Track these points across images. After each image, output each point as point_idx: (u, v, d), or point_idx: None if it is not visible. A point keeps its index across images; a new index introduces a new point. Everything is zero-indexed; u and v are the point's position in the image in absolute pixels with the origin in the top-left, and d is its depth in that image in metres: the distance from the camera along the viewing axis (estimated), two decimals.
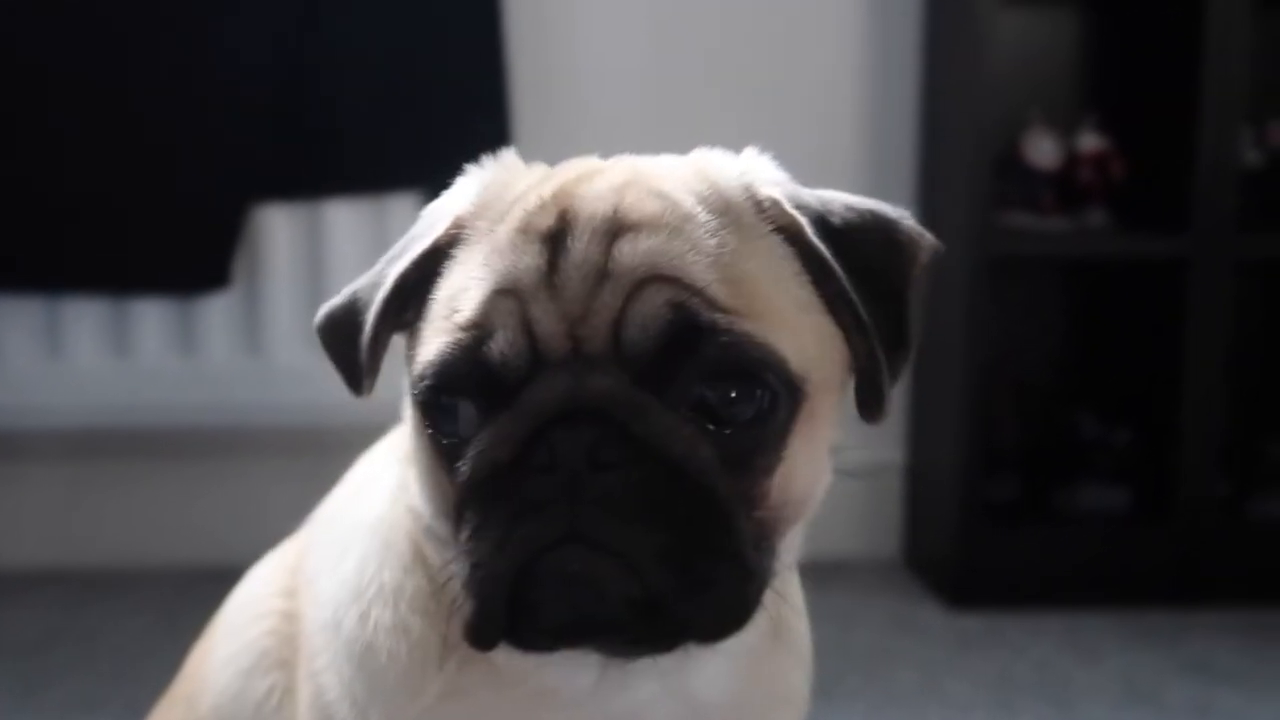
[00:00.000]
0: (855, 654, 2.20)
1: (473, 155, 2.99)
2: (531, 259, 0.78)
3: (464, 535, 0.76)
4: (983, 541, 2.49)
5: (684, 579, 0.74)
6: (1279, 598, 2.48)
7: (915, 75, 2.63)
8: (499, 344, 0.76)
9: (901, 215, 0.86)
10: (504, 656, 0.84)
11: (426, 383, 0.79)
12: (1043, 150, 2.49)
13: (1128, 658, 2.22)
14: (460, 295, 0.79)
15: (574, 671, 0.85)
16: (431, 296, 0.83)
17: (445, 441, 0.79)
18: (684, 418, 0.75)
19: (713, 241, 0.78)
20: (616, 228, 0.78)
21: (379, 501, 0.92)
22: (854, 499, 2.63)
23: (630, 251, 0.77)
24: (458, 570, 0.77)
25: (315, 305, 2.63)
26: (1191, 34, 2.42)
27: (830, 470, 0.84)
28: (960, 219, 2.39)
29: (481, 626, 0.77)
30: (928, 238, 0.86)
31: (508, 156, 0.89)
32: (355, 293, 0.88)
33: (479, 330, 0.77)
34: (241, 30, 2.36)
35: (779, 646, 0.92)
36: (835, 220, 0.83)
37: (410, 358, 0.84)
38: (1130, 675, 2.15)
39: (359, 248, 2.46)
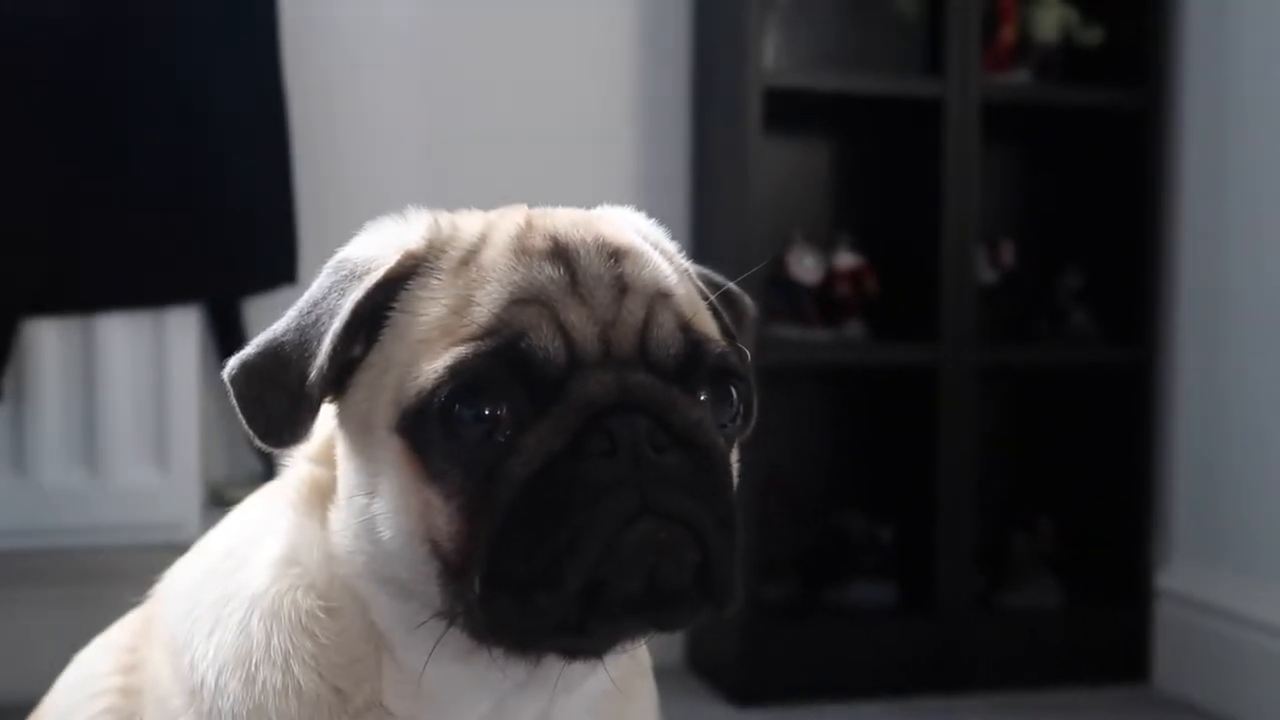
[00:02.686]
0: None
1: (255, 269, 2.93)
2: (549, 272, 0.83)
3: (521, 539, 0.78)
4: (763, 641, 2.59)
5: (728, 544, 0.82)
6: (1029, 680, 2.68)
7: (685, 199, 2.79)
8: (538, 341, 0.81)
9: (726, 280, 1.00)
10: (397, 701, 0.87)
11: (447, 388, 0.80)
12: (805, 266, 2.69)
13: None
14: (463, 310, 0.82)
15: (459, 712, 0.87)
16: (385, 327, 0.85)
17: (458, 452, 0.80)
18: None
19: (674, 273, 0.89)
20: (612, 250, 0.86)
21: (260, 574, 0.91)
22: None
23: (637, 272, 0.85)
24: (525, 574, 0.78)
25: (87, 423, 2.54)
26: (931, 163, 2.68)
27: (737, 476, 0.93)
28: None
29: (540, 621, 0.78)
30: (749, 299, 1.01)
31: (416, 212, 0.92)
32: (276, 338, 0.87)
33: (508, 331, 0.81)
34: (12, 140, 2.31)
35: (634, 690, 0.97)
36: (699, 275, 0.96)
37: (356, 399, 0.86)
38: None
39: (133, 363, 2.40)
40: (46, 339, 2.38)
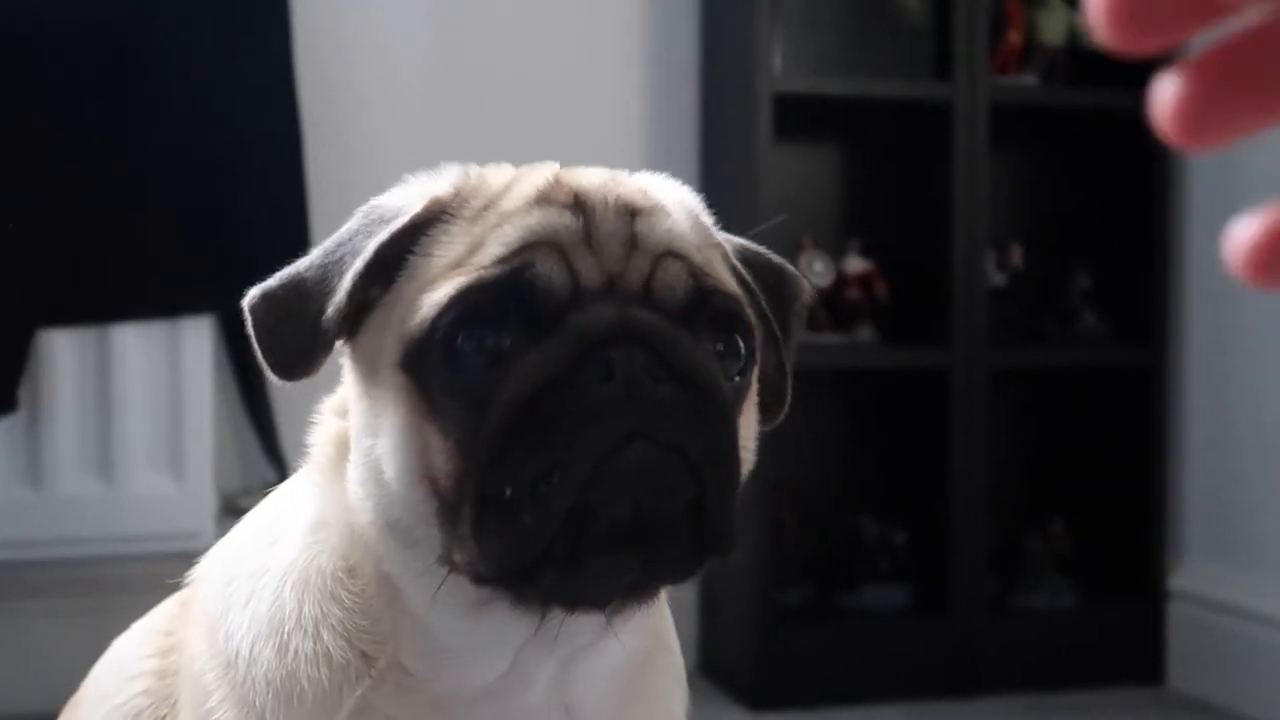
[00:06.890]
0: None
1: (269, 278, 2.96)
2: (567, 220, 0.84)
3: (510, 460, 0.78)
4: (777, 645, 2.59)
5: (724, 484, 0.81)
6: (1044, 683, 2.68)
7: None
8: (544, 271, 0.81)
9: (783, 260, 0.99)
10: (415, 661, 0.87)
11: (450, 316, 0.81)
12: (815, 271, 2.69)
13: None
14: (478, 250, 0.83)
15: (476, 670, 0.88)
16: (402, 270, 0.86)
17: (457, 384, 0.81)
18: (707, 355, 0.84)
19: (696, 237, 0.89)
20: (630, 209, 0.86)
21: (290, 546, 0.92)
22: None
23: (650, 229, 0.86)
24: (513, 495, 0.78)
25: (102, 433, 2.55)
26: (939, 167, 2.69)
27: (754, 455, 0.92)
28: None
29: (527, 545, 0.78)
30: (805, 281, 1.00)
31: (449, 165, 0.93)
32: (299, 272, 0.88)
33: (518, 261, 0.81)
34: (27, 151, 2.32)
35: (658, 665, 0.96)
36: (739, 252, 0.94)
37: (367, 338, 0.87)
38: None
39: (148, 372, 2.41)
40: (62, 349, 2.39)
